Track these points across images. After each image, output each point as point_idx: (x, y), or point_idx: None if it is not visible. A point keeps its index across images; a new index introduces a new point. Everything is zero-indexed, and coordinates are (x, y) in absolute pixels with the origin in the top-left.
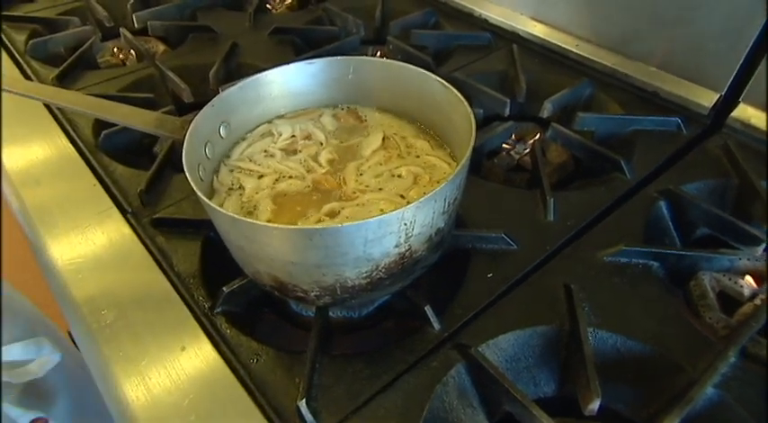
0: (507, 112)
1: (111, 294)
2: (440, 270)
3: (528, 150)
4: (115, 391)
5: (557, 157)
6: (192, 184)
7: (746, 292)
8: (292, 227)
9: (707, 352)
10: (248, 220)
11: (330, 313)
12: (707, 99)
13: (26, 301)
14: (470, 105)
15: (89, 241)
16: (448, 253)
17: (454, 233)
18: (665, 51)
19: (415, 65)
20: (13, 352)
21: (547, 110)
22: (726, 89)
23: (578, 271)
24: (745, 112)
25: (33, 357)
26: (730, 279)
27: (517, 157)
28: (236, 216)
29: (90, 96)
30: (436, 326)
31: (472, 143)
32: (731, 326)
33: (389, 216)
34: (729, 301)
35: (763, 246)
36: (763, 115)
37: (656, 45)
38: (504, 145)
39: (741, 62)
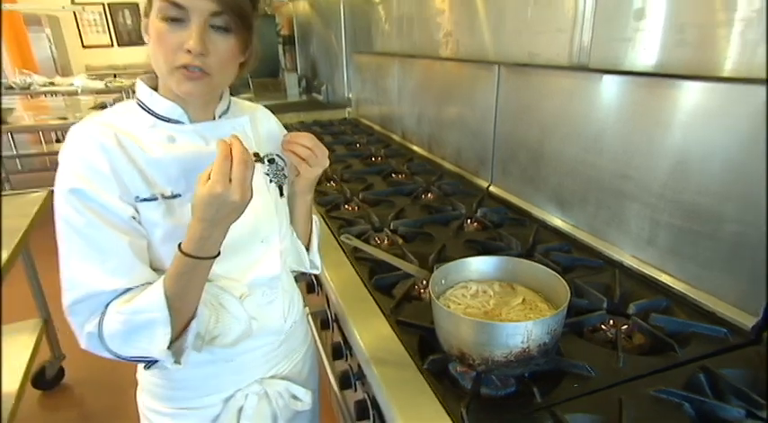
0: (605, 306)
1: (379, 349)
2: (547, 375)
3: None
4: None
5: (639, 340)
6: (433, 297)
7: None
8: (475, 319)
9: None
10: (456, 313)
11: (481, 390)
12: (750, 320)
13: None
14: (580, 297)
15: (368, 327)
16: (553, 368)
17: (556, 358)
18: (726, 288)
19: (551, 267)
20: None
21: (631, 309)
22: (761, 316)
23: (630, 395)
24: None
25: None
26: None
27: (610, 336)
28: (450, 311)
29: (381, 250)
30: (539, 398)
31: (564, 308)
32: None
33: (521, 323)
34: None
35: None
36: None
37: (720, 284)
38: (602, 326)
39: (764, 305)
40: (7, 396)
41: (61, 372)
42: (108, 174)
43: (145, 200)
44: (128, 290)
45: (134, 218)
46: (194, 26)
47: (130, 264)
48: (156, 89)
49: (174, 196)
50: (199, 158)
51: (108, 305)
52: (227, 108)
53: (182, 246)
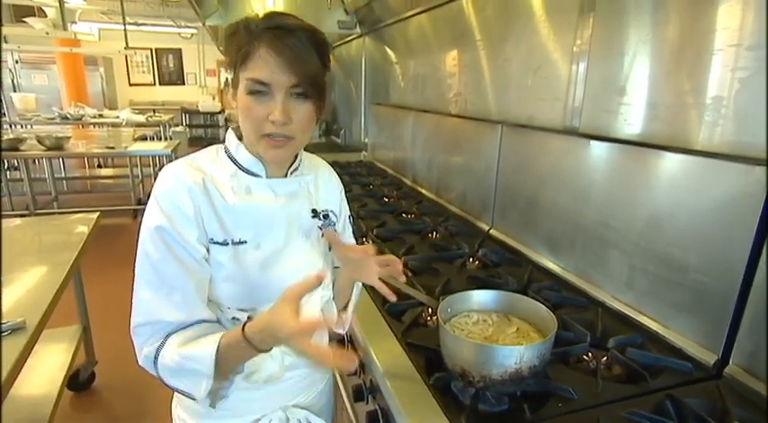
0: (588, 339)
1: (392, 365)
2: (536, 395)
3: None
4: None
5: (616, 370)
6: (441, 322)
7: None
8: (473, 341)
9: None
10: (461, 336)
11: (479, 405)
12: (712, 358)
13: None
14: (566, 330)
15: (382, 347)
16: (541, 390)
17: (544, 381)
18: (692, 329)
19: (542, 303)
20: None
21: (611, 343)
22: (720, 355)
23: (607, 416)
24: (733, 369)
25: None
26: None
27: (592, 365)
28: (455, 334)
29: (402, 283)
30: (528, 414)
31: (551, 336)
32: None
33: (515, 347)
34: None
35: None
36: (740, 370)
37: (687, 325)
38: (585, 356)
39: (723, 346)
40: (49, 395)
41: (92, 376)
42: (191, 216)
43: (217, 243)
44: (187, 326)
45: (204, 257)
46: (278, 98)
47: (192, 301)
48: (241, 139)
49: (242, 242)
50: (267, 210)
51: (168, 336)
52: (299, 166)
53: (245, 329)
